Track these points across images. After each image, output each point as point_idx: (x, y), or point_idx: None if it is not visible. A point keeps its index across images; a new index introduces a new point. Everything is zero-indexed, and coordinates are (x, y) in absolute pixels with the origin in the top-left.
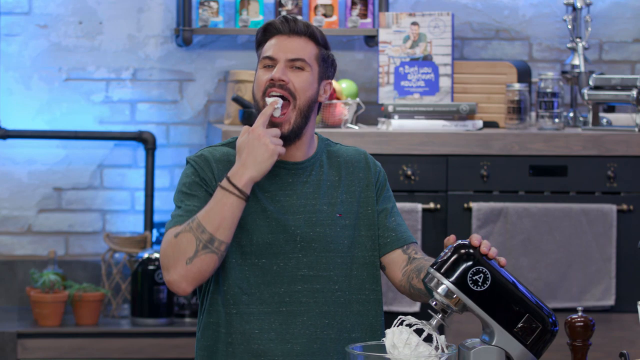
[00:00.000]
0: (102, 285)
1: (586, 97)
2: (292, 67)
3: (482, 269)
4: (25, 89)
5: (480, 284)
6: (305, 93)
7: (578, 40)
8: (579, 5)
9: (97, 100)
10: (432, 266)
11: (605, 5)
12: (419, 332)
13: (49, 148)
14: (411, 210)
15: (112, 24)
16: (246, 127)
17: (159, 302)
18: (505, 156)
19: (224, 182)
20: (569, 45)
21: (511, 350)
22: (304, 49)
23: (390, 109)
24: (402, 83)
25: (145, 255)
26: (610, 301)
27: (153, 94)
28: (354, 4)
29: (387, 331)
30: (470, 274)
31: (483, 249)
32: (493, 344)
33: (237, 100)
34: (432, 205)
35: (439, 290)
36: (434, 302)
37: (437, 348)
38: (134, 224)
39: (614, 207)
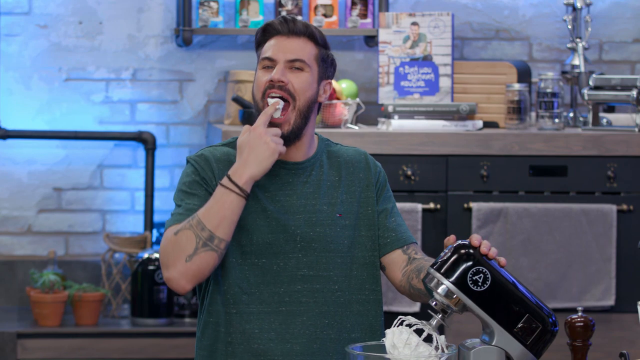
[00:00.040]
0: (102, 286)
1: (586, 97)
2: (291, 68)
3: (482, 269)
4: (25, 89)
5: (480, 284)
6: (305, 94)
7: (578, 40)
8: (579, 5)
9: (97, 100)
10: (432, 266)
11: (605, 5)
12: (418, 332)
13: (48, 148)
14: (411, 211)
15: (112, 24)
16: (247, 126)
17: (159, 302)
18: (505, 156)
19: (225, 180)
20: (569, 45)
21: (511, 350)
22: (303, 49)
23: (390, 109)
24: (402, 83)
25: (145, 255)
26: (610, 301)
27: (153, 94)
28: (353, 4)
29: (387, 331)
30: (470, 274)
31: (483, 249)
32: (493, 344)
33: (237, 100)
34: (432, 205)
35: (439, 290)
36: (434, 302)
37: (437, 348)
38: (134, 224)
39: (614, 207)
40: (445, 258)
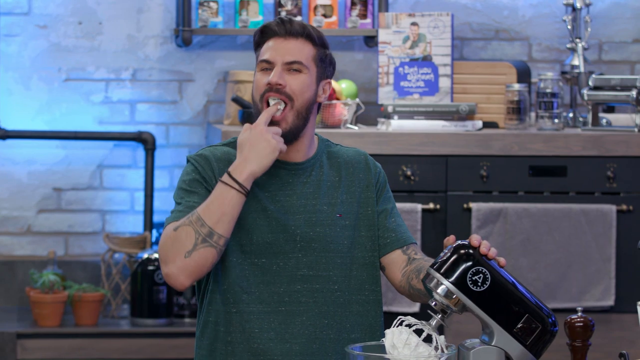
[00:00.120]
0: (101, 286)
1: (586, 98)
2: (289, 70)
3: (482, 270)
4: (25, 89)
5: (479, 284)
6: (303, 95)
7: (578, 40)
8: (578, 5)
9: (97, 100)
10: (431, 266)
11: (605, 5)
12: (418, 332)
13: (48, 148)
14: (411, 211)
15: (112, 25)
16: (247, 124)
17: (159, 303)
18: (504, 156)
19: (225, 177)
20: (568, 45)
21: (511, 350)
22: (300, 50)
23: (389, 109)
24: (402, 83)
25: (145, 255)
26: (610, 301)
27: (153, 95)
28: (353, 4)
29: (387, 331)
30: (470, 274)
31: (483, 249)
32: (493, 344)
33: (236, 100)
34: (431, 205)
35: (439, 290)
36: (434, 303)
37: (436, 348)
38: (134, 224)
39: (613, 208)
40: (444, 258)
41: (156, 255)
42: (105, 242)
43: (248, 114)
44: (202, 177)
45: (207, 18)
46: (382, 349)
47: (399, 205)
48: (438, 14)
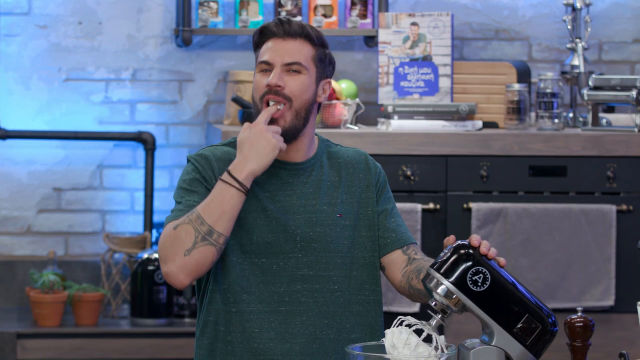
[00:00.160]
0: (101, 286)
1: (586, 98)
2: (288, 71)
3: (482, 270)
4: (25, 89)
5: (479, 284)
6: (302, 96)
7: (577, 40)
8: (578, 5)
9: (97, 100)
10: (431, 266)
11: (605, 5)
12: (418, 332)
13: (48, 148)
14: (411, 211)
15: (112, 25)
16: (247, 123)
17: (159, 303)
18: (504, 156)
19: (225, 176)
20: (568, 45)
21: (511, 350)
22: (299, 51)
23: (389, 109)
24: (402, 83)
25: (145, 255)
26: (610, 301)
27: (152, 95)
28: (353, 4)
29: (387, 331)
30: (470, 274)
31: (482, 249)
32: (492, 344)
33: (236, 100)
34: (431, 205)
35: (439, 290)
36: (434, 303)
37: (436, 348)
38: (134, 224)
39: (613, 208)
40: (444, 258)
41: (156, 255)
42: (105, 242)
43: (248, 114)
44: (202, 176)
45: (207, 18)
46: (382, 349)
47: (399, 205)
48: (438, 14)
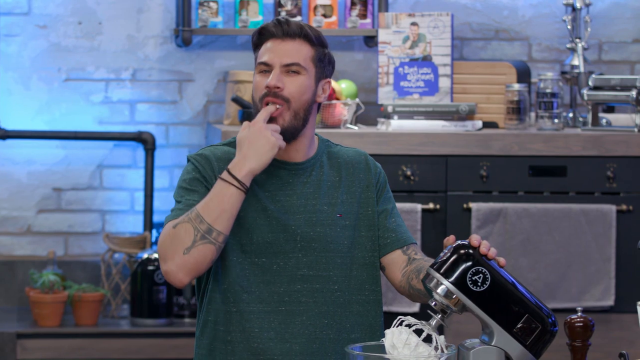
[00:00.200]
0: (101, 286)
1: (586, 98)
2: (287, 72)
3: (482, 269)
4: (25, 89)
5: (479, 284)
6: (301, 97)
7: (577, 40)
8: (578, 5)
9: (97, 100)
10: (431, 266)
11: (605, 5)
12: (418, 332)
13: (48, 148)
14: (410, 211)
15: (112, 25)
16: (246, 122)
17: (159, 303)
18: (504, 156)
19: (224, 174)
20: (568, 45)
21: (511, 350)
22: (298, 52)
23: (389, 109)
24: (402, 83)
25: (145, 255)
26: (610, 301)
27: (152, 95)
28: (353, 4)
29: (387, 331)
30: (470, 274)
31: (482, 249)
32: (492, 344)
33: (236, 100)
34: (431, 205)
35: (439, 290)
36: (434, 303)
37: (436, 348)
38: (134, 224)
39: (613, 208)
40: (444, 258)
41: (156, 256)
42: (105, 242)
43: (248, 114)
44: (202, 176)
45: (207, 18)
46: (382, 349)
47: (399, 205)
48: (438, 14)
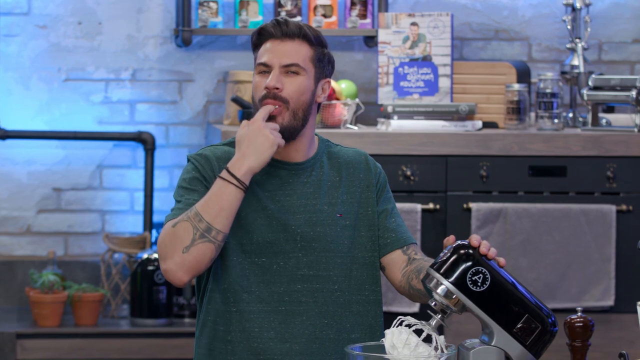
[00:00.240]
0: (101, 286)
1: (585, 98)
2: (287, 72)
3: (482, 270)
4: (25, 89)
5: (479, 284)
6: (300, 98)
7: (577, 40)
8: (578, 5)
9: (97, 100)
10: (431, 267)
11: (605, 5)
12: (418, 332)
13: (48, 148)
14: (410, 211)
15: (112, 25)
16: (245, 120)
17: (158, 303)
18: (504, 157)
19: (223, 173)
20: (568, 45)
21: (510, 350)
22: (297, 52)
23: (389, 109)
24: (402, 83)
25: (145, 255)
26: (610, 301)
27: (152, 95)
28: (353, 4)
29: (387, 331)
30: (470, 274)
31: (482, 250)
32: (492, 344)
33: (236, 100)
34: (431, 205)
35: (439, 290)
36: (434, 303)
37: (436, 348)
38: (133, 224)
39: (613, 208)
40: (444, 258)
41: (156, 256)
42: (105, 242)
43: (248, 114)
44: (202, 175)
45: (206, 18)
46: (381, 349)
47: (398, 205)
48: (438, 14)
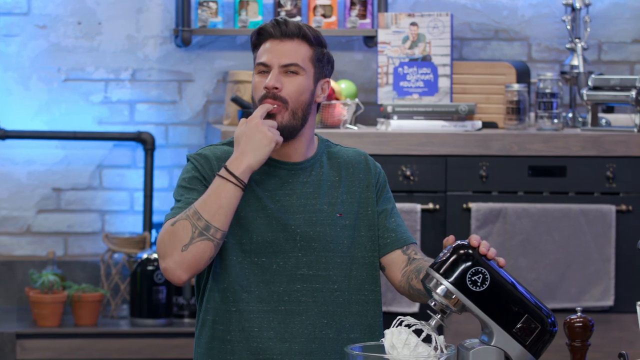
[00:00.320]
0: (101, 286)
1: (585, 98)
2: (286, 72)
3: (481, 270)
4: (24, 89)
5: (479, 284)
6: (299, 98)
7: (577, 40)
8: (578, 5)
9: (96, 100)
10: (431, 267)
11: (604, 5)
12: (417, 332)
13: (48, 148)
14: (410, 211)
15: (111, 25)
16: (243, 119)
17: (158, 303)
18: (504, 157)
19: (222, 171)
20: (568, 45)
21: (510, 350)
22: (297, 52)
23: (389, 109)
24: (401, 83)
25: (144, 255)
26: (609, 302)
27: (152, 95)
28: (353, 4)
29: (386, 331)
30: (469, 274)
31: (482, 250)
32: (492, 344)
33: (236, 100)
34: (431, 205)
35: (438, 290)
36: (433, 303)
37: (436, 348)
38: (133, 224)
39: (613, 208)
40: (444, 258)
41: (155, 256)
42: (105, 242)
43: (247, 114)
44: (201, 175)
45: (206, 18)
46: (381, 349)
47: (398, 205)
48: (437, 14)
